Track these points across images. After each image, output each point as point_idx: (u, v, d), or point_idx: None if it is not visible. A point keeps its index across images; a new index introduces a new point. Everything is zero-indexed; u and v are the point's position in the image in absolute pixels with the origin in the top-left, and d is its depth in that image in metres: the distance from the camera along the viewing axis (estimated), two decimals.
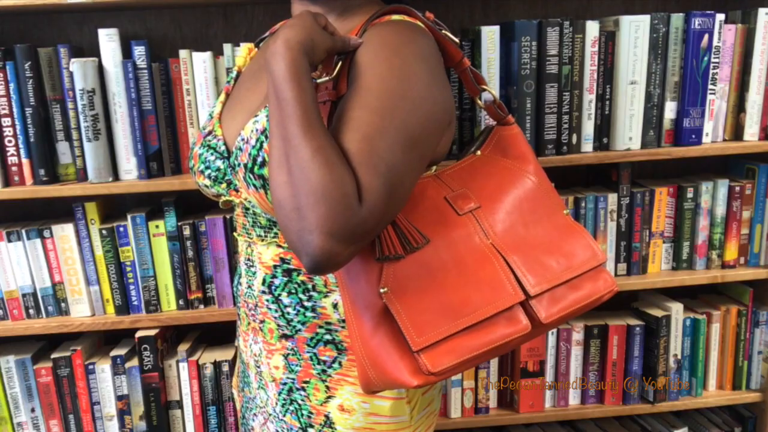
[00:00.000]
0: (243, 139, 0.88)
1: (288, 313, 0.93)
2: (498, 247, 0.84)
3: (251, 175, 0.86)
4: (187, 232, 1.43)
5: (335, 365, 0.92)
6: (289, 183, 0.71)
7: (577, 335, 1.56)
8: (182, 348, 1.49)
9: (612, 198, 1.50)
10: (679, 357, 1.58)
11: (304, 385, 0.94)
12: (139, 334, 1.44)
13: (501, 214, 0.87)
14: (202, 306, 1.47)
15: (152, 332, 1.44)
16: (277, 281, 0.93)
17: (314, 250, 0.69)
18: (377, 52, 0.80)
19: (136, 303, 1.45)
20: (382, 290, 0.79)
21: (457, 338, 0.79)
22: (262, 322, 0.96)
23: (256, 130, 0.86)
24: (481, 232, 0.85)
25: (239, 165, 0.88)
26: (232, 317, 1.45)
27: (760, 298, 1.60)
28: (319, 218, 0.68)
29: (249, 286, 0.98)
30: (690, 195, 1.53)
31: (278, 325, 0.94)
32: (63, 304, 1.45)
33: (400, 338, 0.79)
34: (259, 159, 0.84)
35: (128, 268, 1.44)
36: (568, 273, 0.85)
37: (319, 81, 0.81)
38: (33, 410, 1.49)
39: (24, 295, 1.44)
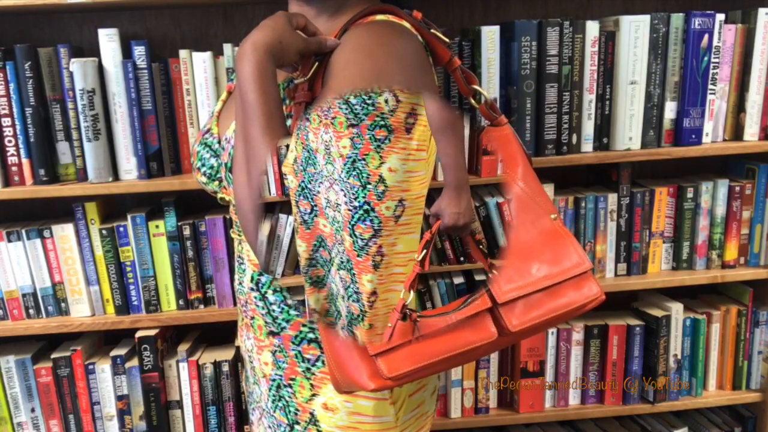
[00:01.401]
0: (226, 139, 0.89)
1: (273, 311, 0.94)
2: None
3: (230, 174, 0.86)
4: (187, 232, 1.43)
5: (318, 363, 0.93)
6: (247, 184, 0.71)
7: (577, 335, 1.56)
8: (182, 348, 1.49)
9: (612, 198, 1.50)
10: (679, 357, 1.58)
11: (291, 382, 0.94)
12: (139, 334, 1.44)
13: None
14: (202, 306, 1.47)
15: (152, 332, 1.44)
16: (263, 278, 0.94)
17: None
18: (350, 54, 0.80)
19: (136, 303, 1.45)
20: None
21: (417, 344, 0.77)
22: (252, 318, 0.97)
23: None
24: None
25: (221, 164, 0.89)
26: (232, 317, 1.45)
27: (760, 298, 1.60)
28: None
29: (240, 283, 0.99)
30: (690, 195, 1.53)
31: (266, 322, 0.95)
32: (63, 304, 1.45)
33: None
34: None
35: (128, 268, 1.44)
36: (547, 280, 0.82)
37: (296, 81, 0.81)
38: (33, 410, 1.49)
39: (24, 295, 1.44)
